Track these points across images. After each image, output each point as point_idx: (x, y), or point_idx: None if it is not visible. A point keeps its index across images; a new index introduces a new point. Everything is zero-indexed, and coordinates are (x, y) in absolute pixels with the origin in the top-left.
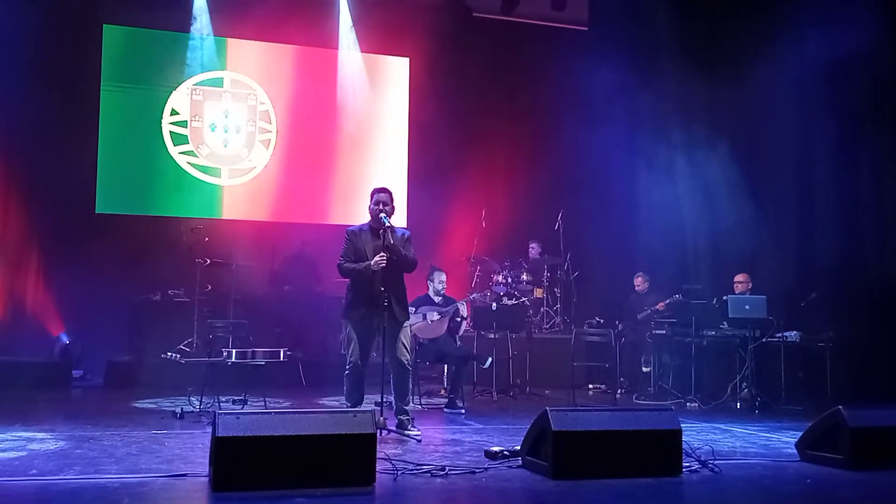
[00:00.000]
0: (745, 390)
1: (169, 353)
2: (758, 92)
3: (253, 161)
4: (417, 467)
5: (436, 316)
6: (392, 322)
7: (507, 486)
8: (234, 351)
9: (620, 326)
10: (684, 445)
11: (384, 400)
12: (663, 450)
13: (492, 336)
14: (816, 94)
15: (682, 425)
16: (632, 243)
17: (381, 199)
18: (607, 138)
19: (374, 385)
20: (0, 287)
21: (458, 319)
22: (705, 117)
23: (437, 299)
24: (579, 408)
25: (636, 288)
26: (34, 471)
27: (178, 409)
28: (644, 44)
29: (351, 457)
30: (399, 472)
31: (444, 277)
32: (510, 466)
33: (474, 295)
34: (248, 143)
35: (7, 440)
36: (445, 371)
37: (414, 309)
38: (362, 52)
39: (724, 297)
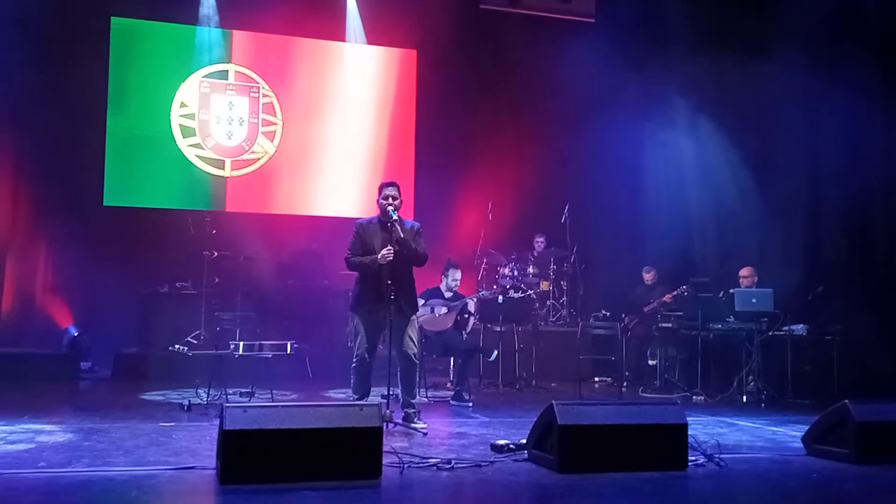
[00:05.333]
0: (752, 384)
1: (177, 346)
2: (766, 84)
3: (257, 153)
4: (424, 460)
5: (443, 310)
6: (399, 315)
7: (513, 479)
8: (241, 343)
9: (626, 319)
10: (690, 439)
11: (390, 393)
12: (669, 444)
13: (498, 329)
14: (824, 86)
15: (688, 419)
16: (638, 236)
17: (390, 193)
18: (615, 130)
19: (380, 378)
20: (9, 279)
21: (466, 315)
22: (713, 109)
23: (447, 294)
24: (585, 401)
25: (645, 281)
26: (43, 463)
27: (186, 402)
28: (651, 35)
29: (357, 450)
30: (405, 466)
31: (458, 276)
32: (516, 460)
33: (483, 292)
34: (251, 135)
35: (16, 432)
36: (451, 364)
37: (423, 301)
38: (369, 44)
39: (731, 291)
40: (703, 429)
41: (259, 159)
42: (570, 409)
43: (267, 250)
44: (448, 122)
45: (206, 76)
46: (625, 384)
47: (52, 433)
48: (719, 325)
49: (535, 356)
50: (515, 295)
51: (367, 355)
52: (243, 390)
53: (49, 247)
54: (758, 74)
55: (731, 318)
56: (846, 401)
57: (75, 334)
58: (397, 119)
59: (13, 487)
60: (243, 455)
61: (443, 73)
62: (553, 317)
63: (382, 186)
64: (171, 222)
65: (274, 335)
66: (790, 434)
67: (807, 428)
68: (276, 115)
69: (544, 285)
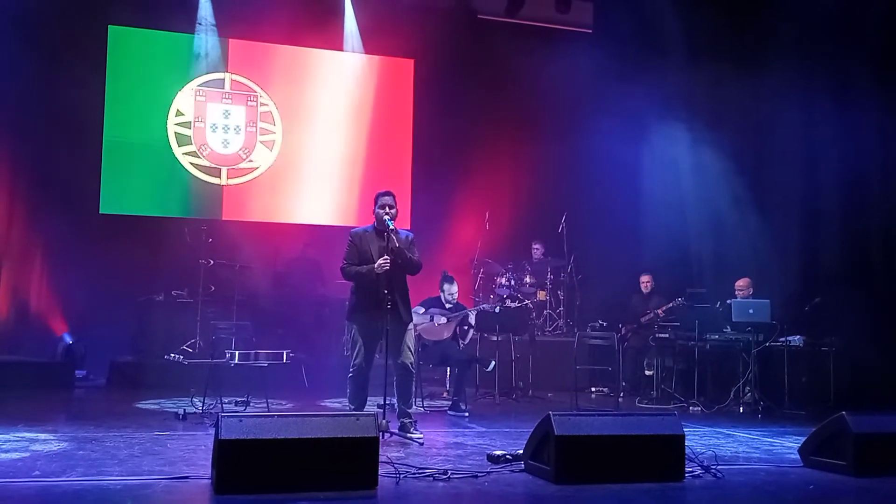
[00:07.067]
0: (749, 395)
1: (172, 354)
2: (763, 93)
3: (255, 162)
4: (420, 471)
5: (443, 319)
6: (396, 324)
7: (510, 490)
8: (236, 352)
9: (623, 330)
10: (687, 450)
11: (387, 402)
12: (666, 455)
13: (495, 338)
14: (821, 96)
15: (684, 429)
16: (636, 246)
17: (386, 202)
18: (611, 140)
19: (376, 387)
20: (4, 287)
21: (466, 327)
22: (710, 120)
23: (447, 306)
24: (582, 412)
25: (641, 287)
26: (37, 472)
27: (181, 411)
28: (648, 46)
29: (353, 460)
30: (401, 476)
31: (454, 290)
32: (513, 470)
33: (484, 305)
34: (249, 144)
35: (10, 441)
36: (448, 374)
37: (423, 309)
38: (367, 53)
39: (728, 301)
40: (700, 440)
41: (256, 168)
42: (567, 420)
43: (263, 259)
44: (445, 131)
45: (201, 85)
46: (621, 395)
47: (46, 442)
48: (716, 336)
49: (531, 366)
50: (512, 305)
51: (364, 365)
52: (239, 399)
53: (44, 254)
54: (754, 84)
55: (728, 329)
56: (843, 412)
57: (70, 342)
58: (394, 128)
59: (7, 497)
60: (239, 465)
61: (440, 82)
62: (550, 327)
63: (378, 195)
64: (168, 231)
65: (270, 344)
66: (787, 445)
67: (804, 439)
68: (274, 124)
69: (541, 295)
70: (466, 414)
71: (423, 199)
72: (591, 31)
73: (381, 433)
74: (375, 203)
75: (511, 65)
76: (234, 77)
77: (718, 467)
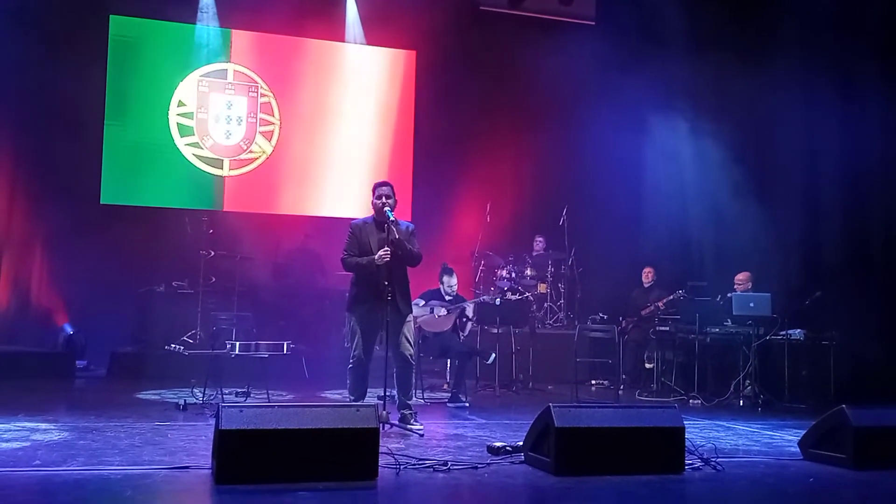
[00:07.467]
0: (749, 388)
1: (172, 345)
2: (765, 87)
3: (255, 152)
4: (420, 462)
5: (443, 311)
6: (396, 316)
7: (510, 481)
8: (237, 343)
9: (624, 323)
10: (687, 443)
11: (387, 394)
12: (666, 447)
13: (495, 331)
14: (822, 90)
15: (684, 422)
16: (636, 240)
17: (384, 193)
18: (613, 133)
19: (377, 379)
20: (5, 277)
21: (465, 319)
22: (713, 113)
23: (447, 298)
24: (582, 404)
25: (643, 279)
26: (38, 461)
27: (182, 401)
28: (651, 38)
29: (354, 451)
30: (402, 467)
31: (453, 282)
32: (513, 462)
33: (484, 297)
34: (249, 135)
35: (10, 430)
36: (448, 366)
37: (423, 301)
38: (369, 44)
39: (729, 295)
40: (700, 432)
41: (257, 159)
42: (567, 412)
43: (264, 250)
44: (447, 123)
45: (204, 75)
46: (621, 387)
47: (46, 431)
48: (717, 329)
49: (531, 358)
50: (513, 297)
51: (364, 356)
52: (239, 390)
53: (45, 245)
54: (756, 77)
55: (729, 322)
56: (843, 406)
57: (71, 333)
58: (396, 120)
59: (7, 486)
60: (239, 455)
61: (442, 74)
62: (550, 319)
63: (376, 186)
64: (169, 221)
65: (270, 335)
66: (787, 438)
67: (804, 432)
68: (273, 115)
69: (542, 288)
70: (466, 405)
71: (424, 191)
72: (593, 23)
73: (381, 424)
74: (374, 194)
75: (513, 57)
76: (237, 68)
77: (718, 460)
